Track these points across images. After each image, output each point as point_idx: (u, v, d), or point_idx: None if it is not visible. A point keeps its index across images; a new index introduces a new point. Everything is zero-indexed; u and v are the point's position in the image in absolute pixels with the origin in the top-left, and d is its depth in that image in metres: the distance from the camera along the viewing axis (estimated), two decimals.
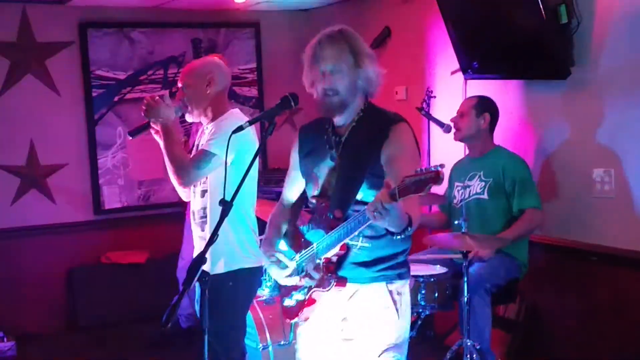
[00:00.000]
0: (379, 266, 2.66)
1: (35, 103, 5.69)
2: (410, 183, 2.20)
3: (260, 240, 3.08)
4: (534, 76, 4.43)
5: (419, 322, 4.20)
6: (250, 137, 3.23)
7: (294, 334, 2.89)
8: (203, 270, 2.44)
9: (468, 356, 3.86)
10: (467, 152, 4.59)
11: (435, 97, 5.03)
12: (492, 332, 4.08)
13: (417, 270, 3.98)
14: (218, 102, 3.34)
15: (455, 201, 4.35)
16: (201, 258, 2.43)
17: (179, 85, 3.38)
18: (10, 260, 5.63)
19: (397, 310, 2.68)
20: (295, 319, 2.82)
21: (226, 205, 2.52)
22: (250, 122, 2.70)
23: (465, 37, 4.61)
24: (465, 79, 4.80)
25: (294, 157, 2.89)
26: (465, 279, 3.83)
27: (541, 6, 3.96)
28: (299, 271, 2.76)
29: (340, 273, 2.64)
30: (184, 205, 4.96)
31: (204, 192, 3.29)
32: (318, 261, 2.66)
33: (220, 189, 2.72)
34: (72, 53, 5.80)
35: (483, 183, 4.24)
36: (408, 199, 2.30)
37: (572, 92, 4.27)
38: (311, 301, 2.74)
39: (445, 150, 4.95)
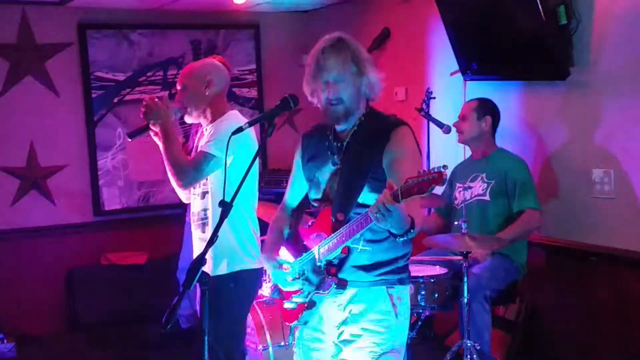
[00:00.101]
0: (379, 270, 2.66)
1: (35, 104, 5.69)
2: (413, 184, 2.22)
3: (262, 240, 3.08)
4: (533, 77, 4.44)
5: (419, 323, 4.20)
6: (250, 139, 3.23)
7: (293, 336, 2.89)
8: (203, 272, 2.44)
9: (468, 357, 3.86)
10: (466, 153, 4.60)
11: (434, 98, 5.03)
12: (492, 332, 4.08)
13: (417, 271, 3.98)
14: (217, 104, 3.34)
15: (456, 202, 4.36)
16: (201, 259, 2.43)
17: (178, 86, 3.38)
18: (10, 261, 5.64)
19: (396, 315, 2.68)
20: (295, 322, 2.83)
21: (226, 207, 2.52)
22: (250, 123, 2.70)
23: (464, 38, 4.61)
24: (465, 80, 4.80)
25: (297, 163, 2.90)
26: (465, 279, 3.84)
27: (540, 7, 3.96)
28: (300, 274, 2.76)
29: (341, 276, 2.65)
30: (184, 207, 4.97)
31: (204, 194, 3.29)
32: (319, 264, 2.67)
33: (220, 190, 2.73)
34: (72, 54, 5.80)
35: (485, 185, 4.24)
36: (410, 202, 2.31)
37: (572, 93, 4.28)
38: (311, 304, 2.75)
39: (445, 151, 4.95)
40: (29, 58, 5.64)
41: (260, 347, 3.98)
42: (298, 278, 2.76)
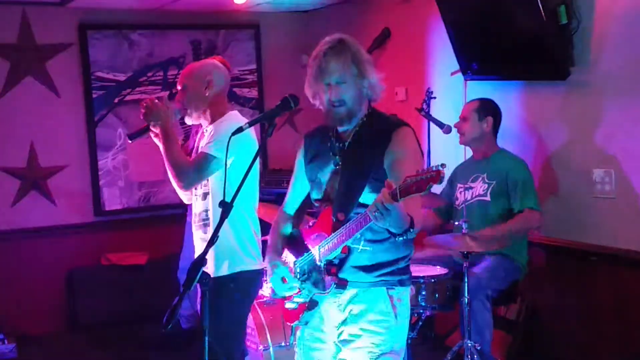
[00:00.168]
0: (379, 271, 2.67)
1: (36, 105, 5.69)
2: (412, 183, 2.23)
3: (263, 241, 3.09)
4: (533, 77, 4.43)
5: (420, 323, 4.20)
6: (250, 139, 3.23)
7: (294, 336, 2.89)
8: (203, 272, 2.44)
9: (469, 357, 3.86)
10: (467, 153, 4.60)
11: (435, 97, 5.02)
12: (493, 332, 4.08)
13: (417, 271, 3.98)
14: (217, 104, 3.34)
15: (457, 202, 4.36)
16: (201, 259, 2.43)
17: (178, 87, 3.38)
18: (10, 261, 5.64)
19: (395, 316, 2.68)
20: (296, 322, 2.83)
21: (226, 207, 2.52)
22: (250, 124, 2.71)
23: (465, 38, 4.61)
24: (465, 80, 4.80)
25: (299, 163, 2.91)
26: (466, 279, 3.84)
27: (541, 7, 3.96)
28: (301, 274, 2.76)
29: (341, 276, 2.65)
30: (185, 207, 4.97)
31: (205, 195, 3.29)
32: (319, 263, 2.67)
33: (221, 191, 2.73)
34: (72, 55, 5.81)
35: (486, 185, 4.25)
36: (410, 202, 2.33)
37: (572, 93, 4.28)
38: (311, 304, 2.75)
39: (445, 151, 4.95)
40: (30, 58, 5.64)
41: (260, 347, 3.98)
42: (298, 278, 2.76)
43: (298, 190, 2.94)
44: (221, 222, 2.51)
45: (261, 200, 3.46)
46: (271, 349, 3.98)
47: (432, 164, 4.99)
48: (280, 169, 5.92)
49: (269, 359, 3.99)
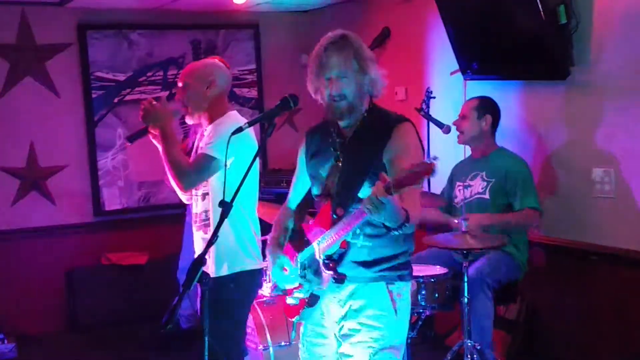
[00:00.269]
0: (379, 266, 2.67)
1: (35, 105, 5.69)
2: (405, 176, 2.23)
3: (263, 241, 3.09)
4: (533, 77, 4.43)
5: (420, 323, 4.20)
6: (250, 139, 3.23)
7: (296, 332, 2.90)
8: (203, 272, 2.44)
9: (469, 356, 3.86)
10: (466, 152, 4.60)
11: (434, 97, 5.02)
12: (493, 332, 4.08)
13: (417, 271, 3.97)
14: (218, 104, 3.33)
15: (456, 200, 4.36)
16: (201, 259, 2.43)
17: (179, 85, 3.37)
18: (10, 261, 5.64)
19: (395, 311, 2.68)
20: (297, 317, 2.83)
21: (225, 207, 2.52)
22: (250, 124, 2.71)
23: (465, 38, 4.61)
24: (465, 80, 4.80)
25: (301, 160, 2.92)
26: (466, 279, 3.84)
27: (540, 7, 3.96)
28: (301, 269, 2.77)
29: (341, 270, 2.65)
30: (184, 207, 4.97)
31: (205, 195, 3.29)
32: (319, 259, 2.67)
33: (221, 191, 2.73)
34: (72, 55, 5.80)
35: (485, 183, 4.25)
36: (408, 197, 2.33)
37: (572, 93, 4.28)
38: (312, 299, 2.75)
39: (445, 151, 4.94)
40: (29, 58, 5.64)
41: (260, 347, 3.98)
42: (299, 273, 2.77)
43: (300, 186, 2.95)
44: (221, 222, 2.51)
45: (261, 200, 3.46)
46: (271, 348, 3.98)
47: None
48: (280, 168, 5.92)
49: (268, 358, 3.99)
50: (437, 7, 4.66)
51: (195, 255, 3.22)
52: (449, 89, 5.04)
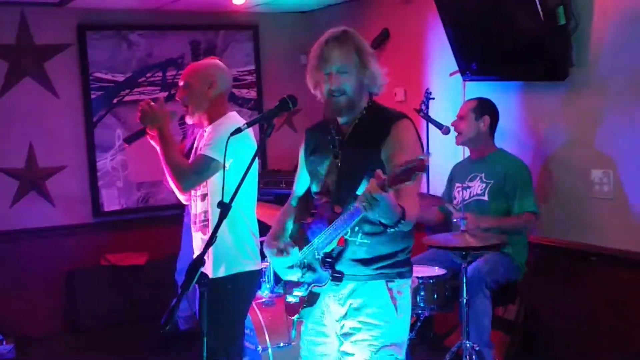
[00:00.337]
0: (378, 264, 2.66)
1: (34, 105, 5.69)
2: (398, 172, 2.22)
3: (262, 242, 3.09)
4: (532, 78, 4.43)
5: (419, 324, 4.20)
6: (249, 140, 3.23)
7: (296, 331, 2.89)
8: (202, 273, 2.43)
9: (467, 357, 3.86)
10: (466, 153, 4.60)
11: (434, 98, 5.02)
12: (492, 333, 4.08)
13: (416, 272, 3.96)
14: (218, 105, 3.33)
15: (455, 202, 4.36)
16: (200, 260, 2.43)
17: (180, 84, 3.37)
18: (9, 262, 5.63)
19: (396, 309, 2.68)
20: (297, 316, 2.83)
21: (224, 208, 2.52)
22: (249, 124, 2.71)
23: (464, 39, 4.62)
24: (464, 81, 4.80)
25: (301, 157, 2.92)
26: (464, 279, 3.84)
27: (539, 7, 3.96)
28: (301, 266, 2.77)
29: (339, 268, 2.65)
30: (183, 208, 4.97)
31: (204, 196, 3.29)
32: (317, 256, 2.67)
33: (220, 192, 2.73)
34: (71, 55, 5.80)
35: (484, 185, 4.25)
36: (405, 194, 2.34)
37: (571, 93, 4.28)
38: (311, 298, 2.75)
39: (444, 152, 4.95)
40: (28, 59, 5.64)
41: (259, 348, 3.98)
42: (299, 269, 2.77)
43: (302, 184, 2.95)
44: (220, 223, 2.51)
45: (260, 201, 3.46)
46: (270, 349, 3.97)
47: (430, 164, 5.01)
48: (279, 169, 5.92)
49: (267, 359, 3.99)
50: (437, 8, 4.66)
51: (194, 256, 3.22)
52: (448, 90, 5.05)
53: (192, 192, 3.34)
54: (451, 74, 4.89)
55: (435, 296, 3.99)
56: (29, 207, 5.72)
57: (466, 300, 3.84)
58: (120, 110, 5.98)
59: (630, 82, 3.97)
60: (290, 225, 2.94)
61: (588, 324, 4.28)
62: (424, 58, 5.34)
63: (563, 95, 4.33)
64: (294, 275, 2.81)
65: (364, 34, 2.75)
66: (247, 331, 3.90)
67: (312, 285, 2.72)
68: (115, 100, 5.97)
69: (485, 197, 4.22)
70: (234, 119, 3.31)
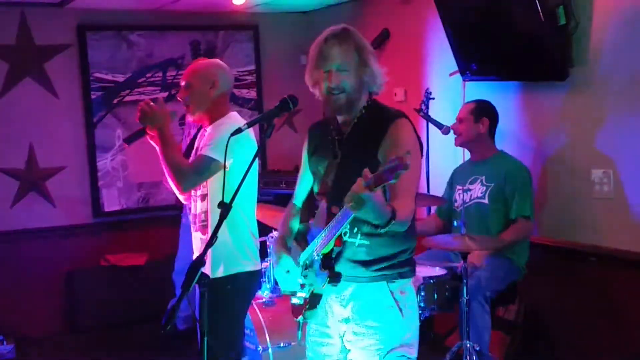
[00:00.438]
0: (378, 265, 2.64)
1: (34, 106, 5.69)
2: (383, 172, 2.21)
3: (261, 242, 3.09)
4: (532, 78, 4.43)
5: (418, 324, 4.20)
6: (249, 140, 3.23)
7: (302, 332, 2.88)
8: (203, 273, 2.43)
9: (467, 357, 3.86)
10: (466, 154, 4.60)
11: (433, 98, 5.03)
12: (492, 333, 4.09)
13: (416, 271, 3.97)
14: (219, 105, 3.34)
15: (456, 204, 4.36)
16: (200, 260, 2.43)
17: (182, 83, 3.37)
18: (9, 263, 5.63)
19: (400, 309, 2.65)
20: (300, 317, 2.82)
21: (224, 208, 2.52)
22: (249, 124, 2.70)
23: (464, 39, 4.62)
24: (464, 81, 4.81)
25: (304, 156, 2.91)
26: (465, 280, 3.84)
27: (539, 8, 3.96)
28: (303, 269, 2.76)
29: (338, 269, 2.63)
30: (182, 208, 4.97)
31: (204, 196, 3.29)
32: (316, 257, 2.66)
33: (220, 192, 2.73)
34: (71, 56, 5.80)
35: (484, 187, 4.25)
36: (397, 194, 2.33)
37: (571, 94, 4.28)
38: (313, 299, 2.74)
39: (444, 152, 4.95)
40: (28, 60, 5.64)
41: (259, 348, 3.98)
42: (300, 272, 2.76)
43: (305, 183, 2.93)
44: (220, 223, 2.51)
45: (260, 201, 3.46)
46: (270, 349, 3.98)
47: (431, 165, 5.02)
48: (279, 170, 5.92)
49: (267, 359, 3.99)
50: (437, 8, 4.67)
51: (194, 257, 3.23)
52: (448, 90, 5.05)
53: (192, 192, 3.34)
54: (451, 74, 4.89)
55: (436, 296, 3.99)
56: (29, 208, 5.72)
57: (466, 300, 3.84)
58: (120, 111, 5.98)
59: (630, 82, 3.97)
60: (296, 226, 2.92)
61: (588, 324, 4.28)
62: (424, 58, 5.34)
63: (563, 95, 4.33)
64: (291, 289, 2.79)
65: (364, 34, 2.74)
66: (247, 331, 3.90)
67: (312, 286, 2.72)
68: (115, 101, 5.97)
69: (486, 200, 4.22)
70: (235, 119, 3.31)
